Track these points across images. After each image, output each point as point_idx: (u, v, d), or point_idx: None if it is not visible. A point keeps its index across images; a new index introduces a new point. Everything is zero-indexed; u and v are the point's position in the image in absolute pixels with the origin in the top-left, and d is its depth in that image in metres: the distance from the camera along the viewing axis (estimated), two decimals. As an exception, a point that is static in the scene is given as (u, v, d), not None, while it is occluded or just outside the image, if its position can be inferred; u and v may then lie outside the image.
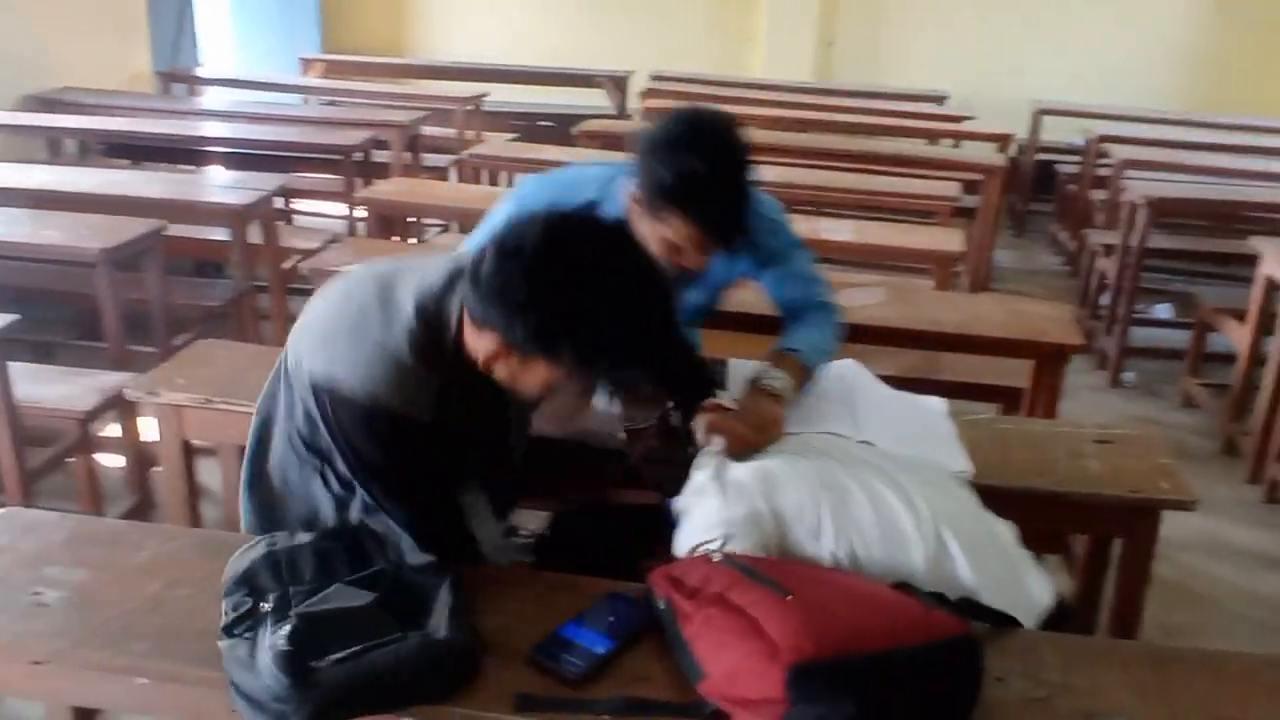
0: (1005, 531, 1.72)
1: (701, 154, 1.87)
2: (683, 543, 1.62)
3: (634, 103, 7.35)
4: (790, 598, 1.30)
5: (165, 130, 5.27)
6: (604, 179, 2.10)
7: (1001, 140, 6.10)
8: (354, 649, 1.29)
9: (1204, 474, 3.90)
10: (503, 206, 2.15)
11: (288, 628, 1.30)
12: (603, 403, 2.10)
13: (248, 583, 1.42)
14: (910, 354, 3.22)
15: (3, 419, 2.68)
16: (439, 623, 1.37)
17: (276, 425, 1.69)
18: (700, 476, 1.71)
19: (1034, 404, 2.89)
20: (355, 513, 1.64)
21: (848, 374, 2.21)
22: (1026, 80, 7.79)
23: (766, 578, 1.35)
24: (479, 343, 1.50)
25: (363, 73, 7.92)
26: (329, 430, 1.56)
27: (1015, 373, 3.07)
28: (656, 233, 1.94)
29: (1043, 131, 7.18)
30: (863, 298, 2.87)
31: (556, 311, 1.40)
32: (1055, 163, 7.10)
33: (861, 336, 2.81)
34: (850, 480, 1.65)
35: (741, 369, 2.11)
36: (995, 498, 1.97)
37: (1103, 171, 6.04)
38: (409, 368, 1.50)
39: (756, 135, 5.98)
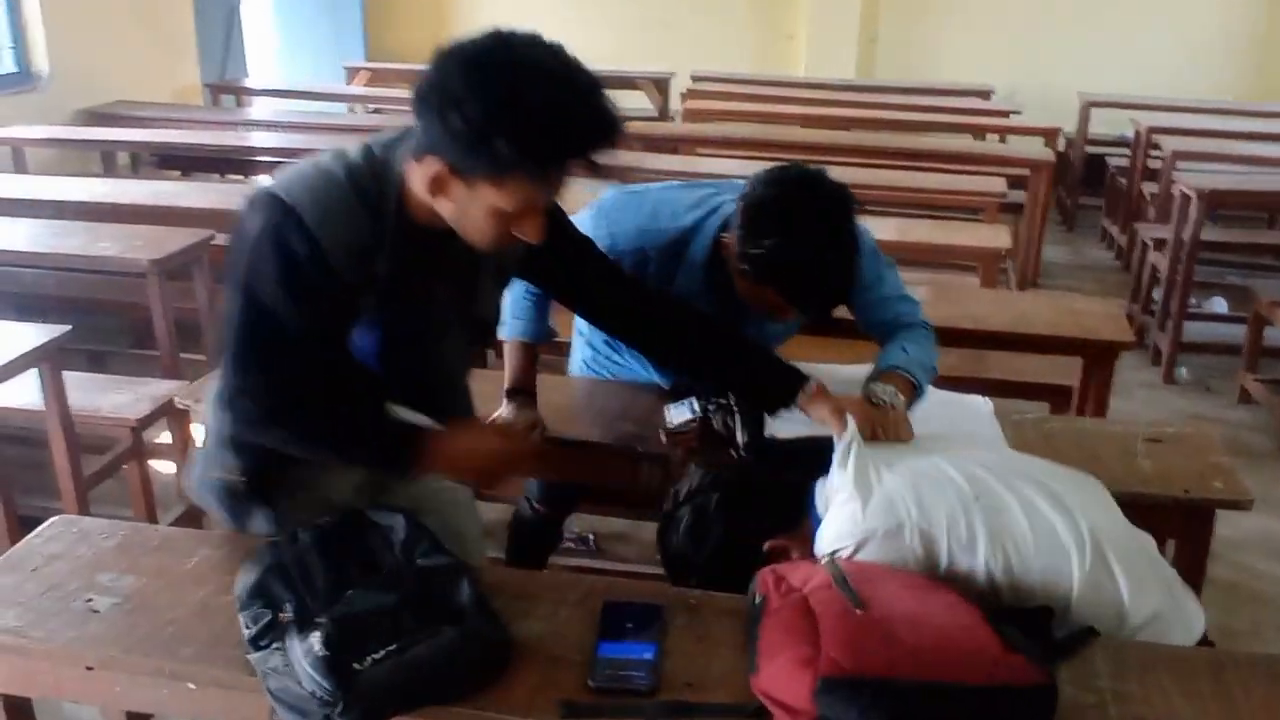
0: (1152, 547, 1.63)
1: (805, 240, 1.81)
2: (821, 546, 1.57)
3: (676, 104, 7.35)
4: (860, 611, 1.28)
5: (214, 141, 5.35)
6: (700, 208, 2.04)
7: (1049, 134, 6.03)
8: (391, 647, 1.30)
9: (1262, 472, 3.81)
10: (583, 215, 2.09)
11: (319, 633, 1.30)
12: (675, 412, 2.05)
13: (261, 594, 1.41)
14: (956, 353, 3.18)
15: (58, 428, 2.73)
16: (466, 616, 1.37)
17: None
18: (841, 476, 1.61)
19: (1084, 402, 2.84)
20: None
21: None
22: (1074, 73, 7.67)
23: (851, 587, 1.33)
24: (422, 174, 1.43)
25: (407, 80, 7.96)
26: (235, 246, 1.49)
27: (1065, 371, 3.02)
28: (750, 289, 1.92)
29: (1091, 124, 7.07)
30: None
31: (494, 97, 1.33)
32: (1105, 156, 6.99)
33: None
34: (1004, 490, 1.55)
35: None
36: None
37: (1153, 164, 5.94)
38: (339, 186, 1.46)
39: (799, 134, 6.02)
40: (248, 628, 1.39)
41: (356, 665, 1.28)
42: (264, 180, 1.51)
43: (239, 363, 1.52)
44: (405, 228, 1.50)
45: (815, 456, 1.69)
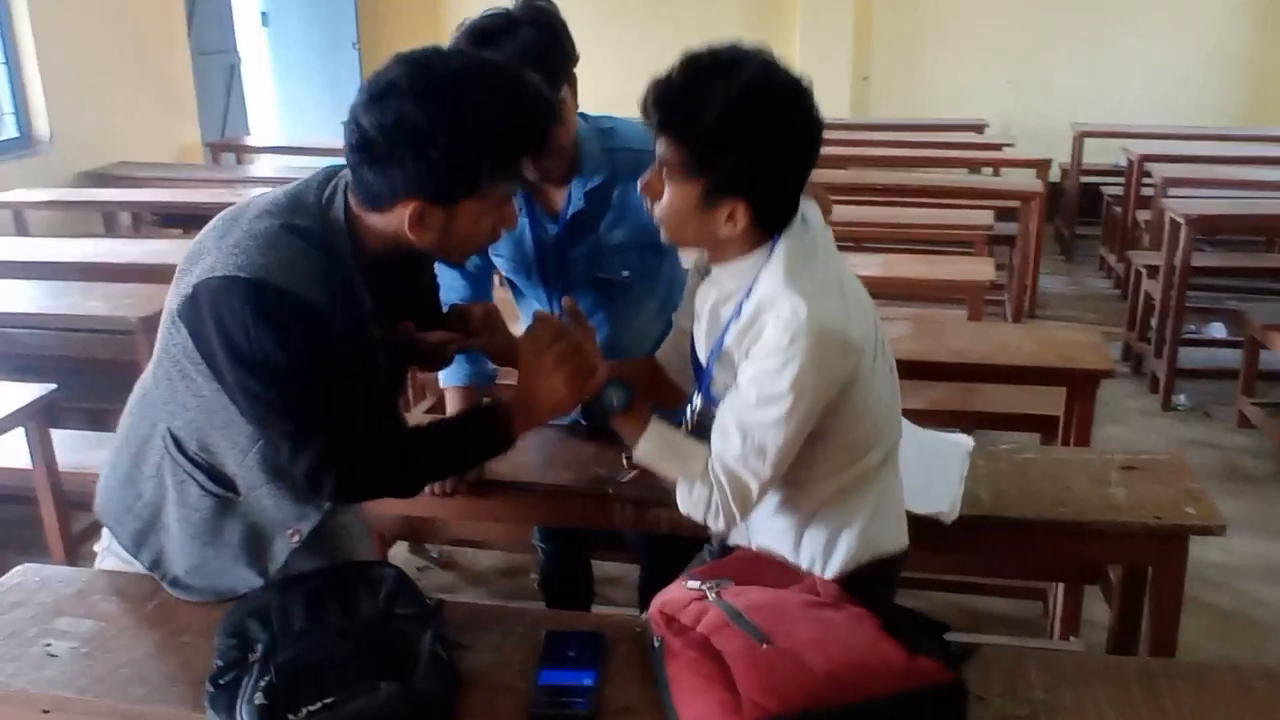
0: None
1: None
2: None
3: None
4: (765, 646, 1.28)
5: (214, 199, 5.39)
6: None
7: (1040, 166, 6.04)
8: (328, 700, 1.30)
9: (1263, 496, 3.79)
10: None
11: (266, 680, 1.32)
12: None
13: (237, 633, 1.44)
14: (944, 386, 3.18)
15: (45, 485, 2.76)
16: (418, 671, 1.38)
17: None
18: None
19: (1069, 432, 2.84)
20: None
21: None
22: (1067, 103, 7.71)
23: (749, 622, 1.33)
24: (392, 222, 1.45)
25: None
26: (200, 342, 1.46)
27: (1054, 401, 3.02)
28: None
29: (1086, 153, 7.10)
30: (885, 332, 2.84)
31: (458, 121, 1.37)
32: (1100, 185, 7.02)
33: (886, 371, 2.81)
34: None
35: None
36: (1014, 529, 1.96)
37: (1146, 191, 5.95)
38: (290, 243, 1.44)
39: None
40: (216, 664, 1.41)
41: (290, 717, 1.28)
42: (194, 277, 1.47)
43: (305, 432, 1.48)
44: (363, 271, 1.51)
45: None
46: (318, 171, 1.57)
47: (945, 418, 3.15)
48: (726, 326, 1.51)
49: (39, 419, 2.72)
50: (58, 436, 2.91)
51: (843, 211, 4.97)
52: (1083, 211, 7.22)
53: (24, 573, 1.77)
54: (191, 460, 1.61)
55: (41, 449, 2.72)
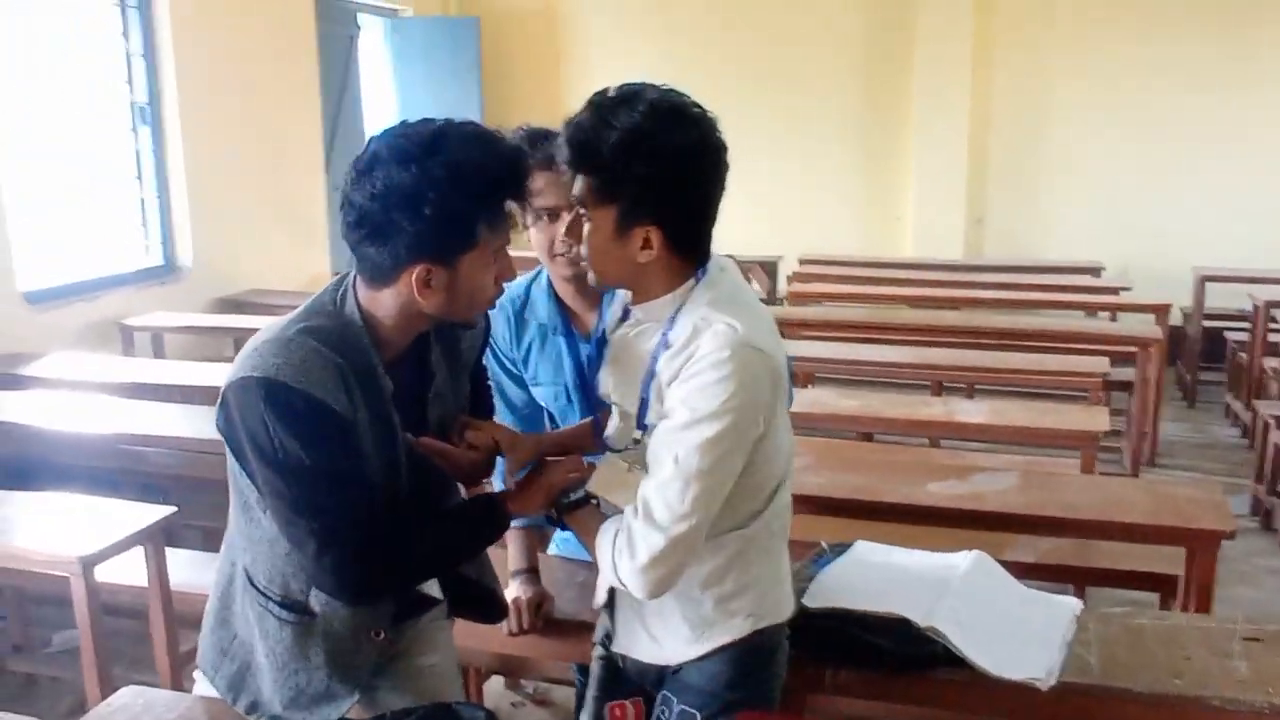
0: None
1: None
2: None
3: (783, 286, 7.46)
4: None
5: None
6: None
7: (1159, 310, 5.90)
8: None
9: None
10: None
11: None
12: None
13: None
14: (1054, 540, 3.07)
15: (158, 604, 2.84)
16: None
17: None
18: None
19: (1189, 592, 2.70)
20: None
21: (964, 564, 2.14)
22: (1187, 246, 7.52)
23: None
24: (401, 293, 1.52)
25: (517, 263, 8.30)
26: (233, 444, 1.53)
27: (1174, 558, 2.89)
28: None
29: (1209, 298, 6.91)
30: (993, 483, 2.78)
31: (444, 178, 1.44)
32: (1223, 329, 6.81)
33: (994, 524, 2.73)
34: None
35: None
36: (1125, 701, 1.86)
37: (1274, 338, 5.75)
38: (303, 344, 1.50)
39: (905, 315, 6.04)
40: None
41: None
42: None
43: (327, 533, 1.51)
44: (380, 360, 1.57)
45: None
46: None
47: (1056, 573, 3.04)
48: (656, 354, 1.58)
49: (157, 540, 2.81)
50: (173, 556, 3.01)
51: (952, 355, 4.96)
52: (1206, 356, 7.00)
53: (129, 695, 1.83)
54: (263, 593, 1.66)
55: (157, 569, 2.81)
